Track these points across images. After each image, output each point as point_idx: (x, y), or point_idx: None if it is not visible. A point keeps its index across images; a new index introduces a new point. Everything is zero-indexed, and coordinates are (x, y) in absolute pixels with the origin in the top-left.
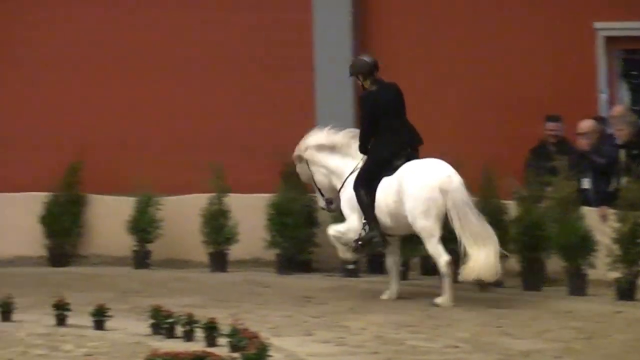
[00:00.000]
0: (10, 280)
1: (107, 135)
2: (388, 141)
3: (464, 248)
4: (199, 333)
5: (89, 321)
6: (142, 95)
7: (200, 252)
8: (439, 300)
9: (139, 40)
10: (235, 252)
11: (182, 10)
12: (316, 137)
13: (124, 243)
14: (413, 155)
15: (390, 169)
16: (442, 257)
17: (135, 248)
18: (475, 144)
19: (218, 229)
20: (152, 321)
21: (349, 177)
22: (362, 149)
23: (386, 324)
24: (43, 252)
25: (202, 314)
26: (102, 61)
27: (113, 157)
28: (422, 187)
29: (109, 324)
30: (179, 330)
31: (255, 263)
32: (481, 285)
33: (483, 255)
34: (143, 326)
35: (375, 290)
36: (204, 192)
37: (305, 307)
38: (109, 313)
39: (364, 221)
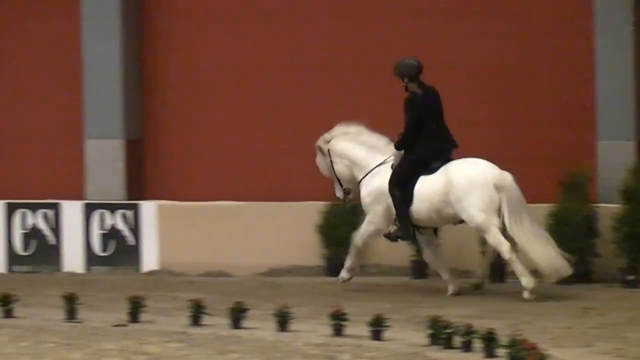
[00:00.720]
0: (286, 290)
1: None
2: (429, 144)
3: (521, 246)
4: (477, 344)
5: (366, 331)
6: None
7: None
8: (526, 286)
9: (424, 49)
10: None
11: (460, 20)
12: (344, 127)
13: (402, 253)
14: (449, 157)
15: (428, 169)
16: (503, 245)
17: (413, 258)
18: None
19: None
20: (430, 331)
21: (374, 169)
22: (399, 148)
23: None
24: (320, 262)
25: (481, 325)
26: (374, 68)
27: None
28: (476, 184)
29: (386, 334)
30: (457, 340)
31: (537, 274)
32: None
33: (545, 252)
34: (421, 336)
35: None
36: None
37: (584, 318)
38: (387, 323)
39: (394, 217)
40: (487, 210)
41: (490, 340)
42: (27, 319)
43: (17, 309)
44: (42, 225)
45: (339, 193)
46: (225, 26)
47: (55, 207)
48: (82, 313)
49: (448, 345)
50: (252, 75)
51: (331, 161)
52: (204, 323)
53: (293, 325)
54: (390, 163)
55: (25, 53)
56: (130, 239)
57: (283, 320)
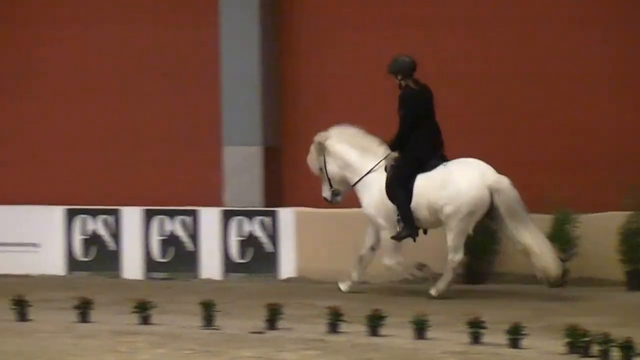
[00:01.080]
0: (424, 298)
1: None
2: (424, 141)
3: (523, 244)
4: (615, 352)
5: (504, 339)
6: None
7: (616, 271)
8: (432, 290)
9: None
10: None
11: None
12: (342, 129)
13: None
14: (444, 155)
15: (426, 167)
16: (459, 254)
17: None
18: None
19: (635, 248)
20: (567, 340)
21: (367, 175)
22: (395, 146)
23: None
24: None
25: (619, 333)
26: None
27: (532, 175)
28: (471, 186)
29: (524, 342)
30: (595, 349)
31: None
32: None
33: (546, 250)
34: (558, 345)
35: None
36: (621, 210)
37: None
38: (525, 331)
39: (398, 217)
40: (472, 214)
41: (628, 349)
42: (164, 325)
43: (154, 316)
44: (179, 231)
45: (327, 193)
46: (363, 33)
47: (192, 213)
48: (219, 320)
49: (585, 353)
50: (389, 81)
51: (325, 160)
52: (341, 330)
53: (430, 333)
54: (382, 167)
55: (164, 60)
56: (267, 245)
57: (420, 328)
